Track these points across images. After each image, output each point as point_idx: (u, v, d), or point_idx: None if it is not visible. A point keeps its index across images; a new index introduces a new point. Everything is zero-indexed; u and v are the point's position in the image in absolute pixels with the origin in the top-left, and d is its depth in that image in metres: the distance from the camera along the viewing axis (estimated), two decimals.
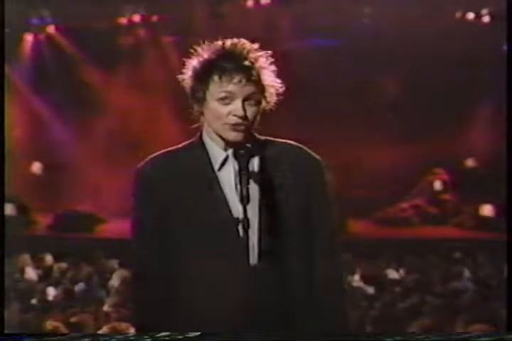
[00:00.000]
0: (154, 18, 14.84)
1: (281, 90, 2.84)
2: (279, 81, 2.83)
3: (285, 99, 2.86)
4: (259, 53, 2.79)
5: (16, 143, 12.85)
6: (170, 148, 2.89)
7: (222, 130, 2.77)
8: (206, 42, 2.81)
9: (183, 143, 2.89)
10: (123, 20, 14.83)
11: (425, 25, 13.44)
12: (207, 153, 2.83)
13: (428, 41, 13.71)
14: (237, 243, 2.71)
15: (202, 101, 2.78)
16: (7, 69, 9.64)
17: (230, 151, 2.81)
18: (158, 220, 2.81)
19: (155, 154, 2.89)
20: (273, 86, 2.81)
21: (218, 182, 2.79)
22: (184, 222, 2.78)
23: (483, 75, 13.30)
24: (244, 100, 2.74)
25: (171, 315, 2.82)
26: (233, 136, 2.76)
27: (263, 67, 2.78)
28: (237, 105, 2.73)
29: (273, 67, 2.82)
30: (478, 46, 13.53)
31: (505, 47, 10.75)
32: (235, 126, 2.75)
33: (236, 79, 2.72)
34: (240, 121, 2.74)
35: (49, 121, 15.23)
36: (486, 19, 14.23)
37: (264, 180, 2.77)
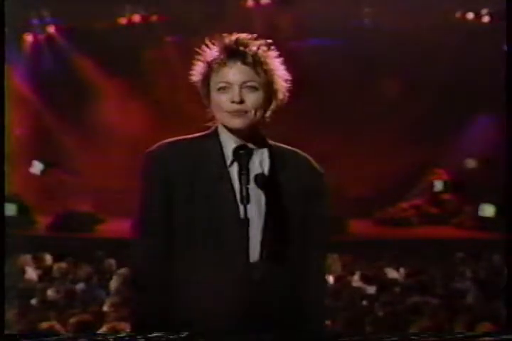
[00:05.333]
0: (154, 18, 14.87)
1: (287, 77, 2.82)
2: (282, 67, 2.81)
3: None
4: (257, 42, 2.78)
5: (16, 143, 12.85)
6: (184, 136, 2.85)
7: (225, 119, 2.76)
8: (210, 41, 2.80)
9: (199, 134, 2.86)
10: (123, 20, 14.86)
11: (425, 25, 13.45)
12: (221, 147, 2.81)
13: (428, 41, 13.71)
14: (237, 240, 2.70)
15: (208, 96, 2.79)
16: (7, 70, 9.62)
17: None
18: (164, 206, 2.76)
19: (168, 140, 2.84)
20: (276, 71, 2.79)
21: (230, 177, 2.77)
22: (188, 212, 2.75)
23: (483, 75, 13.29)
24: (240, 87, 2.74)
25: (168, 313, 2.78)
26: (236, 123, 2.75)
27: (263, 55, 2.77)
28: (234, 92, 2.74)
29: (276, 54, 2.80)
30: (478, 46, 13.53)
31: (505, 47, 10.74)
32: (234, 113, 2.75)
33: (229, 67, 2.73)
34: (238, 107, 2.74)
35: (49, 121, 15.23)
36: (486, 19, 14.25)
37: (272, 183, 2.77)
